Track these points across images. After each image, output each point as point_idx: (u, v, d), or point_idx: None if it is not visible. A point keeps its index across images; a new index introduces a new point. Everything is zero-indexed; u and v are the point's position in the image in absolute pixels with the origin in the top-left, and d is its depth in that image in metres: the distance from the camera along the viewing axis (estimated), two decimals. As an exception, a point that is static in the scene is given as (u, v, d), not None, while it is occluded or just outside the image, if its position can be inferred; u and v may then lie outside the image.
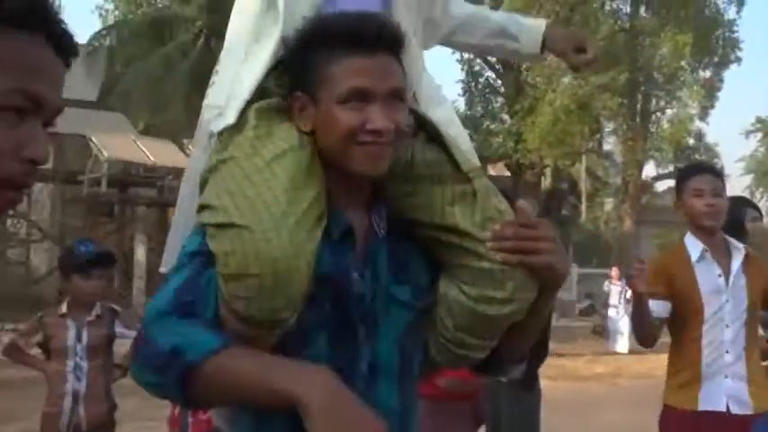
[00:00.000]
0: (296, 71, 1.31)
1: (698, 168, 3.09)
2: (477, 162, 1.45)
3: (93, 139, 12.69)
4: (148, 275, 13.37)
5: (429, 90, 1.59)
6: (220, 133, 1.33)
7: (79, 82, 15.83)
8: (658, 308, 2.81)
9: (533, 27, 1.94)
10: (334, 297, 1.24)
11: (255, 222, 1.15)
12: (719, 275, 2.78)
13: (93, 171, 12.91)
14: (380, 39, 1.24)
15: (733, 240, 2.88)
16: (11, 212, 12.25)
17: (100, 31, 17.51)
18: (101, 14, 23.85)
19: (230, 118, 1.33)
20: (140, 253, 13.80)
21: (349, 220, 1.28)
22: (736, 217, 3.42)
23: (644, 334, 2.88)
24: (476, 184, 1.31)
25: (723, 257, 2.82)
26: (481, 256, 1.26)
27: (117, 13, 23.05)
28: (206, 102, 1.47)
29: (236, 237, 1.15)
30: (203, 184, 1.29)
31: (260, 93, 1.35)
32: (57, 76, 0.85)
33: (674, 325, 2.86)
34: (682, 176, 2.98)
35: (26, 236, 13.14)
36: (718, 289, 2.77)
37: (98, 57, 16.31)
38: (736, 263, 2.80)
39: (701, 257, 2.81)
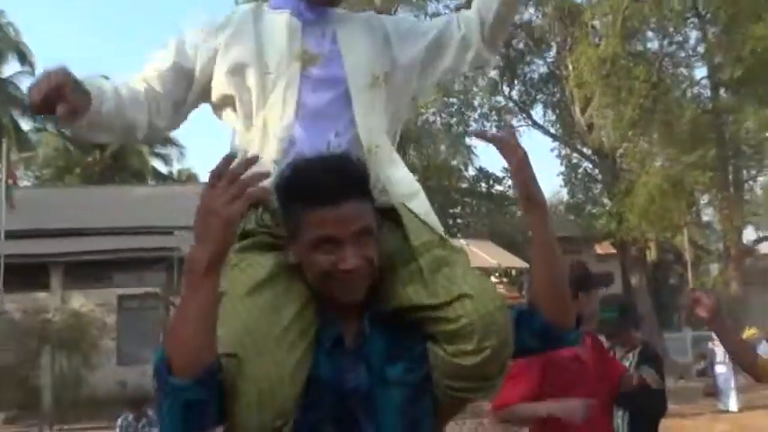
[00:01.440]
0: (280, 216, 1.33)
1: None
2: (439, 230, 1.42)
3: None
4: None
5: (401, 186, 1.50)
6: None
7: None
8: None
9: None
10: (332, 396, 1.24)
11: (240, 349, 1.17)
12: None
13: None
14: (342, 189, 1.23)
15: None
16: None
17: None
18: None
19: None
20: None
21: (339, 329, 1.29)
22: None
23: (741, 363, 2.33)
24: (421, 261, 1.31)
25: None
26: (448, 320, 1.27)
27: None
28: None
29: (228, 363, 1.16)
30: None
31: (243, 235, 1.35)
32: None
33: None
34: None
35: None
36: None
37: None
38: None
39: None
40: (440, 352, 1.29)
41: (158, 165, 29.36)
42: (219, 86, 1.54)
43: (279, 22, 1.52)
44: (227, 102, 1.55)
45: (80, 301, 15.37)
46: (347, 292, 1.26)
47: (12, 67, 26.01)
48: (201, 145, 54.08)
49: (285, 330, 1.21)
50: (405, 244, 1.34)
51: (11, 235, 13.33)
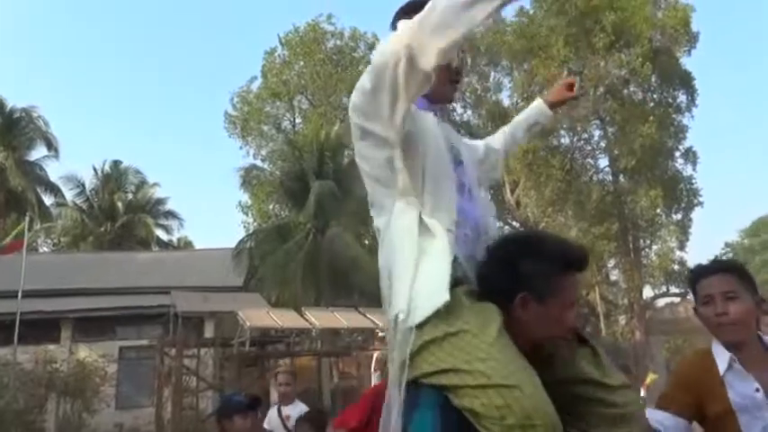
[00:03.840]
0: (520, 279, 1.25)
1: (702, 270, 1.78)
2: None
3: (240, 313, 13.11)
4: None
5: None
6: (421, 324, 1.20)
7: (230, 274, 16.66)
8: (666, 422, 1.64)
9: (538, 107, 1.95)
10: None
11: (521, 381, 1.08)
12: (757, 390, 1.60)
13: (240, 336, 13.21)
14: (586, 263, 1.34)
15: None
16: (184, 371, 12.56)
17: (242, 239, 18.36)
18: (245, 226, 25.21)
19: (435, 299, 1.20)
20: (274, 393, 13.75)
21: None
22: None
23: None
24: (594, 344, 1.36)
25: (760, 366, 1.63)
26: (616, 405, 1.24)
27: (255, 224, 24.33)
28: (391, 313, 1.30)
29: (508, 394, 1.06)
30: (416, 356, 1.19)
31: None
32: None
33: None
34: (691, 280, 1.79)
35: (195, 387, 13.34)
36: (757, 406, 1.58)
37: (243, 256, 17.10)
38: None
39: (730, 368, 1.65)
40: None
41: (161, 233, 28.84)
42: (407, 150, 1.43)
43: (432, 122, 1.48)
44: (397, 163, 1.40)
45: (86, 352, 14.64)
46: (558, 345, 1.30)
47: (39, 152, 25.86)
48: (198, 217, 53.44)
49: (534, 375, 1.15)
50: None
51: (27, 294, 12.78)
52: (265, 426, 4.53)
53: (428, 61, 1.20)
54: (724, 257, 35.98)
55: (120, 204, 27.37)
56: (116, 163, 28.13)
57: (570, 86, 1.93)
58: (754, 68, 56.88)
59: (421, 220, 1.32)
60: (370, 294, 16.96)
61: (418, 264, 1.27)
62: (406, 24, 1.23)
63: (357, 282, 16.30)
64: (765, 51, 56.48)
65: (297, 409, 4.49)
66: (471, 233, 1.42)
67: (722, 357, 1.66)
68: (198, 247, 28.26)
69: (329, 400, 13.36)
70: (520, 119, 1.95)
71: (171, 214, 28.68)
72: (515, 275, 1.25)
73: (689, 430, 1.68)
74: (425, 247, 1.28)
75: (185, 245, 29.94)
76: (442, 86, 1.49)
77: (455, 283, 1.24)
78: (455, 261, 1.27)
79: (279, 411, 4.51)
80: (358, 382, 13.56)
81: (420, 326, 1.20)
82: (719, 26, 50.83)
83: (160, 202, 28.68)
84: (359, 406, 2.80)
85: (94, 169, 27.84)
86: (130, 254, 21.59)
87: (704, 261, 1.88)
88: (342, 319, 13.74)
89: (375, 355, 13.35)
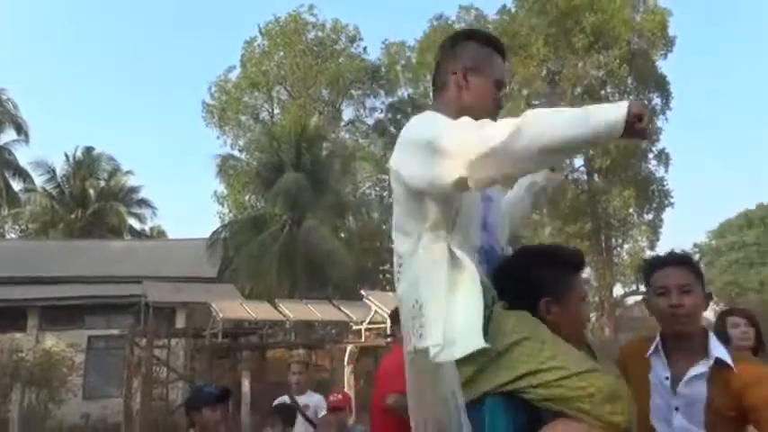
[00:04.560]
0: (541, 287, 1.39)
1: (660, 261, 1.81)
2: None
3: (213, 304, 12.97)
4: (252, 401, 13.19)
5: None
6: (467, 357, 1.25)
7: (204, 265, 16.48)
8: None
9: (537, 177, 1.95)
10: None
11: (593, 366, 1.25)
12: (666, 378, 1.70)
13: (213, 327, 13.08)
14: (584, 263, 1.53)
15: (716, 344, 1.70)
16: (155, 361, 12.40)
17: (217, 230, 18.18)
18: (220, 217, 24.97)
19: (467, 349, 1.24)
20: (246, 384, 13.70)
21: None
22: (719, 330, 2.70)
23: None
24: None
25: (685, 360, 1.69)
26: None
27: (230, 214, 24.08)
28: (423, 345, 1.31)
29: (588, 377, 1.21)
30: (476, 375, 1.27)
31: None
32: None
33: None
34: (646, 270, 1.82)
35: (165, 378, 13.18)
36: (665, 392, 1.70)
37: (217, 246, 16.93)
38: (698, 369, 1.66)
39: (654, 351, 1.75)
40: None
41: (134, 222, 28.35)
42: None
43: None
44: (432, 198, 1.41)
45: (53, 341, 14.34)
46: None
47: (8, 135, 25.21)
48: (171, 206, 52.60)
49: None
50: None
51: (-6, 282, 12.48)
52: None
53: (473, 184, 1.23)
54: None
55: (91, 191, 26.82)
56: (88, 149, 27.55)
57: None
58: (728, 75, 58.15)
59: (451, 253, 1.34)
60: (344, 287, 16.96)
61: (451, 296, 1.30)
62: (468, 148, 1.19)
63: (332, 275, 16.27)
64: (739, 59, 57.78)
65: (314, 398, 4.52)
66: (487, 267, 1.48)
67: (653, 342, 1.77)
68: (171, 236, 27.84)
69: (301, 393, 13.34)
70: (518, 186, 1.93)
71: (144, 203, 28.22)
72: (534, 285, 1.39)
73: None
74: (456, 280, 1.31)
75: (158, 234, 29.49)
76: (487, 113, 1.47)
77: (486, 306, 1.31)
78: (485, 288, 1.33)
79: (293, 401, 4.45)
80: (331, 375, 13.55)
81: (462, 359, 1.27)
82: (696, 32, 51.77)
83: (133, 190, 28.19)
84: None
85: (66, 155, 27.27)
86: (102, 242, 21.20)
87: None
88: (316, 311, 13.71)
89: (348, 348, 13.39)
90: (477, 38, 1.56)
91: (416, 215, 1.38)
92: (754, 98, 56.39)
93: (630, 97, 24.16)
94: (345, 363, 12.52)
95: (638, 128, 1.16)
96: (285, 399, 4.60)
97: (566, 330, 1.37)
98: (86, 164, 27.24)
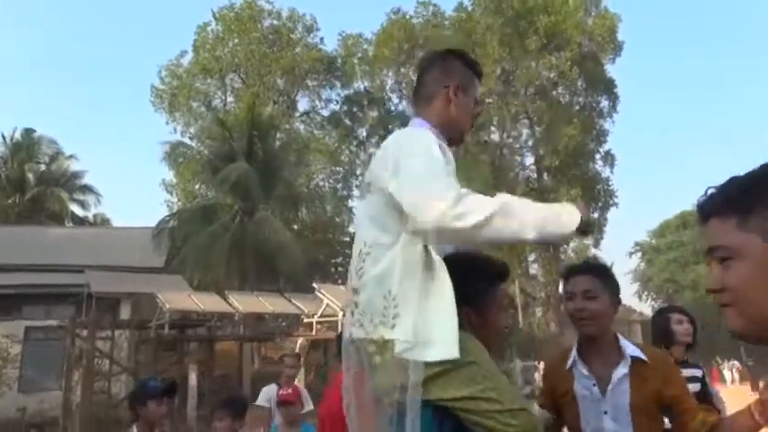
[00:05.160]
0: (461, 295, 1.37)
1: (570, 270, 1.94)
2: None
3: (159, 295, 12.67)
4: (198, 394, 12.98)
5: None
6: (434, 363, 1.31)
7: (150, 254, 16.04)
8: (541, 417, 1.88)
9: None
10: None
11: (525, 405, 1.34)
12: (594, 384, 1.78)
13: (159, 319, 12.78)
14: (508, 275, 1.64)
15: (627, 344, 1.82)
16: (97, 353, 12.02)
17: (164, 218, 17.71)
18: (168, 206, 24.35)
19: (452, 350, 1.31)
20: (192, 377, 13.46)
21: None
22: (662, 325, 2.79)
23: None
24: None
25: (606, 362, 1.79)
26: (504, 424, 1.35)
27: (179, 203, 23.50)
28: (392, 336, 1.35)
29: (519, 416, 1.31)
30: (429, 383, 1.32)
31: None
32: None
33: None
34: (563, 277, 1.96)
35: (108, 371, 12.79)
36: (594, 399, 1.77)
37: (163, 236, 16.49)
38: (620, 371, 1.76)
39: (573, 364, 1.83)
40: None
41: (76, 209, 27.26)
42: None
43: (451, 156, 1.53)
44: None
45: (-13, 331, 13.68)
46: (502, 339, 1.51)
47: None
48: (117, 193, 50.86)
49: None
50: None
51: None
52: (265, 404, 4.68)
53: (425, 241, 1.37)
54: (634, 255, 38.37)
55: (30, 176, 25.66)
56: (28, 131, 26.32)
57: None
58: (671, 81, 60.64)
59: (427, 255, 1.39)
60: (296, 280, 16.87)
61: (423, 298, 1.35)
62: (442, 218, 1.28)
63: (284, 267, 16.15)
64: (683, 67, 60.32)
65: (304, 392, 4.72)
66: None
67: (572, 353, 1.85)
68: (116, 224, 26.98)
69: (249, 386, 13.21)
70: None
71: (88, 189, 27.19)
72: (457, 293, 1.36)
73: (548, 421, 1.90)
74: (430, 283, 1.37)
75: (102, 222, 28.52)
76: (467, 128, 1.67)
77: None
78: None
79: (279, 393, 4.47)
80: (280, 368, 13.50)
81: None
82: (644, 37, 53.78)
83: (76, 175, 27.12)
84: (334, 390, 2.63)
85: (2, 137, 25.98)
86: (42, 229, 20.32)
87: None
88: (267, 303, 13.60)
89: (299, 341, 13.35)
90: (464, 59, 1.70)
91: (398, 215, 1.40)
92: (696, 102, 59.06)
93: (580, 99, 24.91)
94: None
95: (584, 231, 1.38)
96: (273, 388, 4.71)
97: (482, 337, 1.44)
98: (26, 146, 26.04)
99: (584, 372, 1.80)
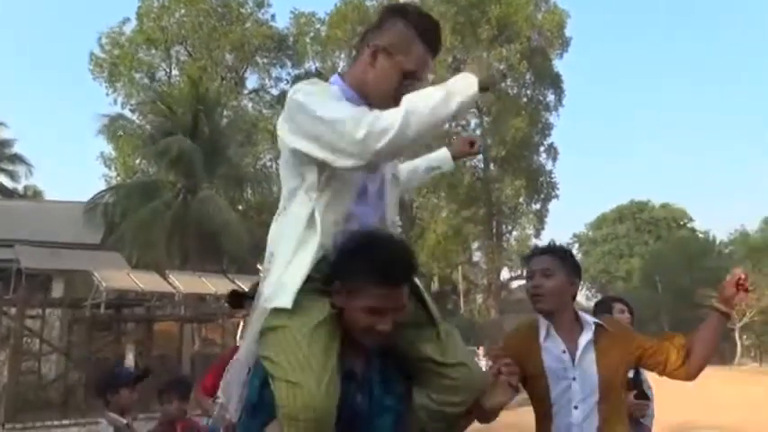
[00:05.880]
0: (340, 270, 1.32)
1: (532, 251, 2.08)
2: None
3: (96, 273, 12.24)
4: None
5: None
6: (274, 309, 1.32)
7: (86, 230, 15.40)
8: None
9: (441, 153, 2.08)
10: (343, 415, 1.26)
11: (303, 380, 1.19)
12: (564, 351, 1.85)
13: (95, 297, 12.36)
14: (405, 276, 1.33)
15: (586, 316, 1.94)
16: (26, 332, 11.54)
17: (99, 193, 16.95)
18: (106, 180, 23.46)
19: (283, 299, 1.31)
20: (129, 358, 13.13)
21: (352, 363, 1.34)
22: (605, 312, 2.84)
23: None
24: (440, 328, 1.46)
25: (570, 333, 1.88)
26: (449, 378, 1.41)
27: (119, 178, 22.67)
28: (261, 291, 1.45)
29: (290, 390, 1.19)
30: (261, 335, 1.34)
31: (306, 278, 1.35)
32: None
33: (534, 408, 1.92)
34: (526, 259, 2.09)
35: (38, 350, 12.30)
36: (564, 366, 1.84)
37: (97, 211, 15.85)
38: (585, 338, 1.86)
39: (548, 335, 1.89)
40: (423, 399, 1.44)
41: (5, 180, 25.80)
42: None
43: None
44: (312, 161, 1.40)
45: None
46: (372, 342, 1.34)
47: None
48: (50, 164, 48.42)
49: (333, 370, 1.24)
50: (422, 312, 1.46)
51: None
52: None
53: (367, 167, 1.37)
54: (572, 247, 39.82)
55: (-47, 143, 24.10)
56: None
57: (471, 143, 2.09)
58: (614, 78, 62.88)
59: (312, 216, 1.39)
60: (240, 260, 16.63)
61: (294, 255, 1.38)
62: (367, 139, 1.29)
63: (227, 247, 15.88)
64: (629, 66, 62.59)
65: None
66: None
67: (543, 327, 1.90)
68: (49, 198, 25.73)
69: (189, 367, 13.01)
70: (420, 161, 2.04)
71: (18, 158, 25.78)
72: (342, 268, 1.32)
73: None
74: (305, 242, 1.38)
75: (34, 194, 27.15)
76: (385, 99, 1.43)
77: (326, 278, 1.35)
78: (325, 259, 1.37)
79: None
80: (221, 349, 13.34)
81: (271, 312, 1.34)
82: (591, 35, 55.38)
83: (5, 144, 25.63)
84: (217, 368, 2.77)
85: (-77, 99, 24.22)
86: (-35, 200, 19.17)
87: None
88: (209, 284, 13.36)
89: (242, 322, 13.22)
90: (409, 18, 1.47)
91: (295, 173, 1.43)
92: (638, 99, 61.44)
93: (528, 92, 25.48)
94: (238, 337, 12.36)
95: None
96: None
97: (348, 327, 1.33)
98: (-52, 111, 24.39)
99: (556, 340, 1.87)
